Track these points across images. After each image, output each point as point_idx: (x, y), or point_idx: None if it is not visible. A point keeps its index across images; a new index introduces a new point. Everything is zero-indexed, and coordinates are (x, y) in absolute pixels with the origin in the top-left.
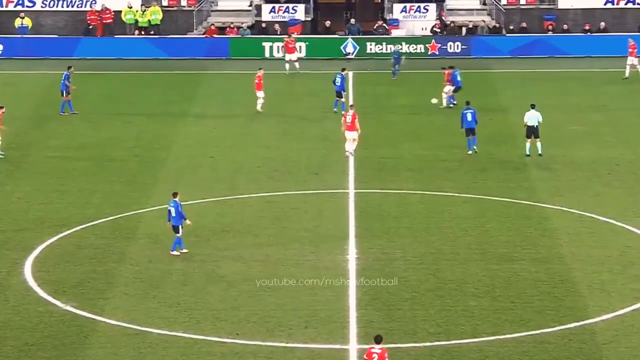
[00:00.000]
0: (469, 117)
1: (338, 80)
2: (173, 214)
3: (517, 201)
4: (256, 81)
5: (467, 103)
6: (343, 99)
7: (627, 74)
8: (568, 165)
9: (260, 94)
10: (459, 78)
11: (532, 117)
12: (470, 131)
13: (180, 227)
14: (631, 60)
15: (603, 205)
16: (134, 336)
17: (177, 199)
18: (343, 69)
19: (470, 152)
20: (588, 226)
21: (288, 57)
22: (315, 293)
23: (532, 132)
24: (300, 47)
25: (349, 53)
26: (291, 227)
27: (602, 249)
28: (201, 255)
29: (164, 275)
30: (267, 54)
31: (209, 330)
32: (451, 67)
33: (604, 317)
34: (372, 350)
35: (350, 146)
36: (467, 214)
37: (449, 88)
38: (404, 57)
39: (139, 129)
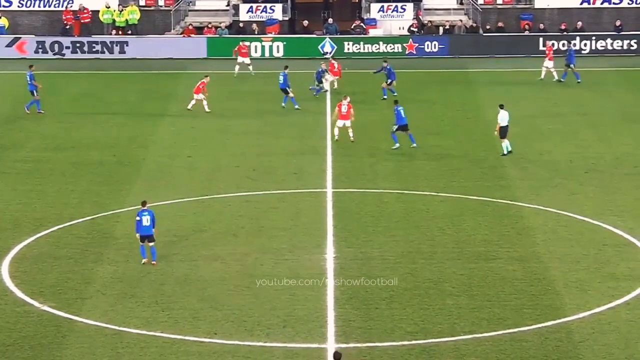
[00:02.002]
0: (403, 114)
1: (281, 78)
2: (146, 223)
3: (494, 200)
4: (200, 86)
5: (396, 102)
6: (291, 94)
7: (543, 76)
8: (545, 164)
9: (198, 96)
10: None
11: (505, 117)
12: (405, 127)
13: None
14: (547, 62)
15: (580, 204)
16: (112, 336)
17: (147, 207)
18: (285, 67)
19: (397, 145)
20: (565, 225)
21: (240, 59)
22: (294, 292)
23: (505, 132)
24: (277, 46)
25: (327, 52)
26: (269, 226)
27: (578, 247)
28: (179, 255)
29: (141, 275)
30: None
31: (187, 330)
32: (385, 61)
33: (581, 315)
34: None
35: (337, 130)
36: (444, 213)
37: (332, 77)
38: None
39: (116, 129)
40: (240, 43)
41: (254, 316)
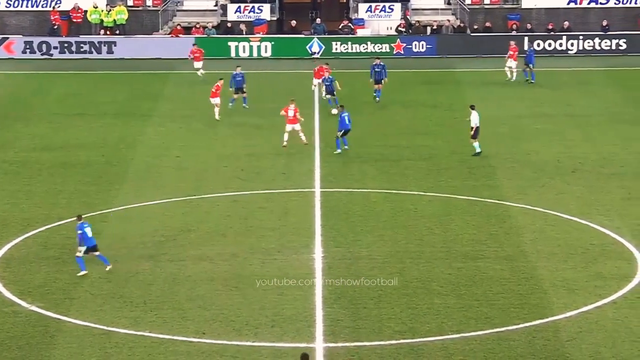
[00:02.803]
0: (347, 120)
1: (237, 77)
2: (90, 234)
3: (482, 199)
4: (215, 90)
5: (342, 107)
6: (245, 94)
7: (509, 76)
8: (532, 164)
9: (215, 100)
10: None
11: (476, 118)
12: (347, 132)
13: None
14: (510, 62)
15: (567, 203)
16: (100, 336)
17: (83, 220)
18: (237, 66)
19: (339, 151)
20: (552, 224)
21: (196, 64)
22: (282, 292)
23: (477, 132)
24: (266, 46)
25: (315, 52)
26: (258, 226)
27: (566, 246)
28: (167, 255)
29: (129, 274)
30: (232, 54)
31: (175, 330)
32: (378, 58)
33: (568, 314)
34: None
35: (286, 136)
36: (432, 213)
37: (317, 81)
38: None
39: (104, 129)
40: (192, 47)
41: (242, 316)
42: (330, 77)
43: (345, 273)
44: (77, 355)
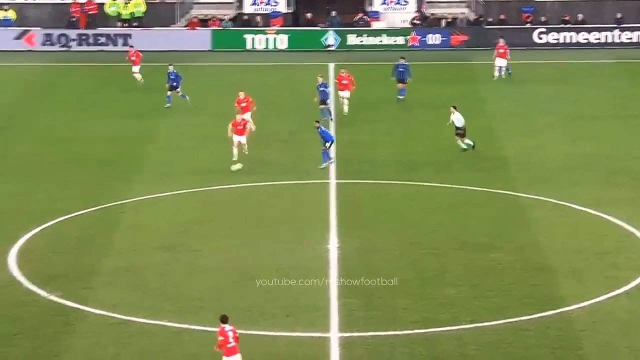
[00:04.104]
0: (327, 132)
1: (171, 76)
2: None
3: (495, 191)
4: (243, 104)
5: (317, 122)
6: (177, 91)
7: (496, 75)
8: (544, 156)
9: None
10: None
11: (460, 119)
12: (332, 143)
13: None
14: (499, 61)
15: (578, 195)
16: (118, 325)
17: None
18: (170, 64)
19: (324, 165)
20: (564, 215)
21: (134, 69)
22: (297, 282)
23: (464, 132)
24: (282, 39)
25: (330, 45)
26: (272, 217)
27: (578, 237)
28: (183, 246)
29: (147, 265)
30: (249, 46)
31: (192, 320)
32: (402, 57)
33: (581, 304)
34: (225, 329)
35: (236, 152)
36: (446, 204)
37: (345, 94)
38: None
39: (121, 121)
40: (131, 49)
41: (257, 306)
42: (325, 82)
43: (359, 264)
44: (95, 345)
